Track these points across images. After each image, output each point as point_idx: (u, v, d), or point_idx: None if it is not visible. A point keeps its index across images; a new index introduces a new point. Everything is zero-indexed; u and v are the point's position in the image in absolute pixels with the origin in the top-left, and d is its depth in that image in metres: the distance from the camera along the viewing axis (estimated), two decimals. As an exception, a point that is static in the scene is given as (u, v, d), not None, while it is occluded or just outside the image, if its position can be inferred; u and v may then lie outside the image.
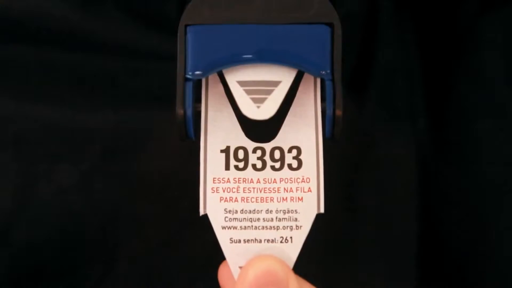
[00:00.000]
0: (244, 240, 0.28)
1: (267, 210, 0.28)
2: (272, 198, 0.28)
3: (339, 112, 0.28)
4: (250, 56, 0.28)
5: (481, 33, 0.40)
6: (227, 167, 0.28)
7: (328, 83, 0.28)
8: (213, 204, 0.28)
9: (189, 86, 0.28)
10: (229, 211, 0.28)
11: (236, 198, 0.28)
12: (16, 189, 0.38)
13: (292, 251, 0.28)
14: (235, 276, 0.27)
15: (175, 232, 0.40)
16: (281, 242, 0.28)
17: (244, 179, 0.28)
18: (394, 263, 0.40)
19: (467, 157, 0.40)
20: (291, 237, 0.28)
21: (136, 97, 0.39)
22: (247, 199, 0.28)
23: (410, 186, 0.41)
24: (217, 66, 0.28)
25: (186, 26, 0.28)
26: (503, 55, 0.40)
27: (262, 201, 0.28)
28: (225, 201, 0.28)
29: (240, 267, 0.27)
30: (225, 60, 0.28)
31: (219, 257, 0.28)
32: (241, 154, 0.28)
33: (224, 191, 0.28)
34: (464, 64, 0.40)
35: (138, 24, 0.39)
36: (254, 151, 0.28)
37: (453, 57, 0.41)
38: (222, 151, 0.28)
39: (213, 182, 0.28)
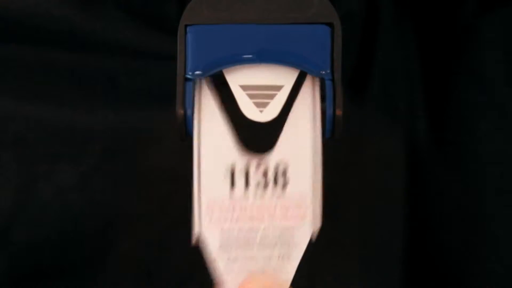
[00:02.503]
0: (241, 258, 0.28)
1: (264, 228, 0.28)
2: (268, 217, 0.28)
3: (339, 112, 0.28)
4: (250, 56, 0.28)
5: (481, 33, 0.40)
6: (223, 187, 0.28)
7: (328, 83, 0.28)
8: (209, 225, 0.28)
9: (189, 86, 0.28)
10: (226, 231, 0.28)
11: (232, 217, 0.28)
12: (16, 189, 0.38)
13: (290, 268, 0.28)
14: None
15: (175, 233, 0.40)
16: (278, 259, 0.28)
17: (240, 198, 0.28)
18: (380, 266, 0.40)
19: (467, 157, 0.40)
20: (288, 255, 0.28)
21: (136, 97, 0.39)
22: (243, 218, 0.28)
23: (409, 186, 0.41)
24: (217, 66, 0.28)
25: (186, 26, 0.28)
26: (503, 55, 0.40)
27: (258, 220, 0.28)
28: (221, 221, 0.28)
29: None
30: (225, 60, 0.28)
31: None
32: (238, 172, 0.28)
33: (219, 211, 0.28)
34: (464, 64, 0.40)
35: (138, 24, 0.39)
36: (251, 167, 0.28)
37: (453, 57, 0.41)
38: (217, 170, 0.28)
39: (208, 204, 0.28)
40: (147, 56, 0.39)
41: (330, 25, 0.28)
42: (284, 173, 0.28)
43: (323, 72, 0.28)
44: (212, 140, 0.28)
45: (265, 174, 0.28)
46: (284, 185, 0.28)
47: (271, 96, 0.28)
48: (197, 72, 0.28)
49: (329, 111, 0.28)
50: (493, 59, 0.40)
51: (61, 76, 0.39)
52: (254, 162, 0.28)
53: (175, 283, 0.40)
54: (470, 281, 0.40)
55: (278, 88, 0.28)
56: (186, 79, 0.28)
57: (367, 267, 0.41)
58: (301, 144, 0.28)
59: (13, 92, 0.39)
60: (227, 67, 0.28)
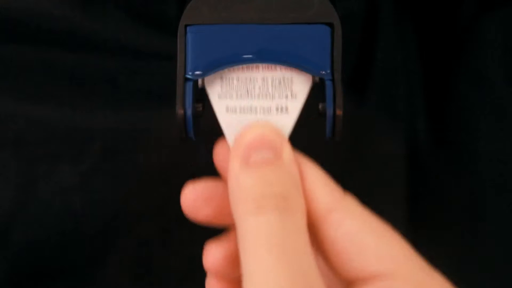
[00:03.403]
0: (240, 108, 0.28)
1: (263, 78, 0.28)
2: (267, 67, 0.28)
3: (339, 112, 0.28)
4: (250, 56, 0.28)
5: (481, 33, 0.40)
6: None
7: (328, 83, 0.28)
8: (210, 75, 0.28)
9: (189, 86, 0.28)
10: (225, 79, 0.28)
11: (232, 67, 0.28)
12: (16, 189, 0.38)
13: (288, 121, 0.28)
14: (231, 145, 0.27)
15: (175, 232, 0.40)
16: (276, 111, 0.28)
17: None
18: None
19: (467, 157, 0.40)
20: (286, 107, 0.28)
21: (136, 97, 0.39)
22: (242, 68, 0.28)
23: (409, 186, 0.41)
24: (217, 66, 0.28)
25: (186, 26, 0.28)
26: (503, 55, 0.40)
27: (257, 69, 0.28)
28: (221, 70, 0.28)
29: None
30: (225, 60, 0.28)
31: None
32: None
33: None
34: (464, 64, 0.40)
35: (138, 24, 0.39)
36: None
37: (453, 57, 0.41)
38: None
39: None
40: (147, 56, 0.39)
41: (330, 25, 0.28)
42: None
43: (323, 72, 0.28)
44: None
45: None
46: None
47: None
48: (197, 72, 0.28)
49: (329, 111, 0.28)
50: (493, 59, 0.40)
51: (61, 76, 0.39)
52: None
53: (175, 283, 0.40)
54: (470, 281, 0.40)
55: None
56: (186, 79, 0.28)
57: None
58: None
59: (13, 92, 0.39)
60: (227, 67, 0.28)
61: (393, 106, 0.41)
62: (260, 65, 0.28)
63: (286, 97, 0.28)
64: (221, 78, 0.28)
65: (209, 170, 0.40)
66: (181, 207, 0.27)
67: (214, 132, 0.28)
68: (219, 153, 0.28)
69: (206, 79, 0.28)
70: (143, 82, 0.40)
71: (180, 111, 0.28)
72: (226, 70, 0.28)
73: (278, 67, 0.28)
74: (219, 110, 0.28)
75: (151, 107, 0.39)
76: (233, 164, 0.24)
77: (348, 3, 0.40)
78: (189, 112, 0.28)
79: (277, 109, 0.28)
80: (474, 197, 0.40)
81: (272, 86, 0.28)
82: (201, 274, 0.40)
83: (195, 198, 0.27)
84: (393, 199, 0.41)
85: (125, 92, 0.39)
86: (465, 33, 0.41)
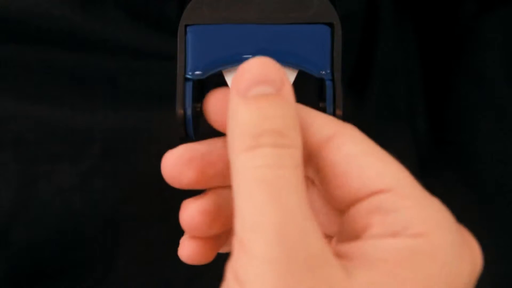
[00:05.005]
0: None
1: None
2: None
3: (339, 112, 0.28)
4: (250, 56, 0.28)
5: (481, 33, 0.40)
6: None
7: (328, 83, 0.28)
8: None
9: (189, 86, 0.28)
10: None
11: None
12: (16, 189, 0.38)
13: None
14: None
15: (176, 232, 0.40)
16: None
17: None
18: None
19: (467, 157, 0.40)
20: None
21: (136, 97, 0.39)
22: None
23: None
24: (217, 66, 0.28)
25: (186, 26, 0.28)
26: (503, 55, 0.40)
27: None
28: None
29: None
30: (225, 60, 0.28)
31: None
32: None
33: None
34: (464, 64, 0.41)
35: (138, 24, 0.39)
36: None
37: (453, 57, 0.41)
38: None
39: None
40: (147, 56, 0.39)
41: (330, 25, 0.28)
42: None
43: (323, 72, 0.28)
44: None
45: None
46: None
47: None
48: (197, 72, 0.28)
49: (329, 111, 0.28)
50: (493, 59, 0.40)
51: (61, 76, 0.39)
52: None
53: (176, 283, 0.40)
54: None
55: None
56: (186, 79, 0.28)
57: None
58: None
59: (13, 92, 0.39)
60: (227, 67, 0.28)
61: (393, 106, 0.41)
62: None
63: None
64: None
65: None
66: (163, 176, 0.27)
67: (215, 132, 0.28)
68: (211, 103, 0.27)
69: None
70: (143, 82, 0.40)
71: (180, 111, 0.28)
72: None
73: None
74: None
75: (151, 107, 0.39)
76: (232, 99, 0.23)
77: (348, 3, 0.40)
78: (189, 112, 0.28)
79: None
80: (474, 197, 0.40)
81: None
82: (202, 273, 0.40)
83: (175, 162, 0.27)
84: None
85: (125, 92, 0.39)
86: (465, 33, 0.41)
